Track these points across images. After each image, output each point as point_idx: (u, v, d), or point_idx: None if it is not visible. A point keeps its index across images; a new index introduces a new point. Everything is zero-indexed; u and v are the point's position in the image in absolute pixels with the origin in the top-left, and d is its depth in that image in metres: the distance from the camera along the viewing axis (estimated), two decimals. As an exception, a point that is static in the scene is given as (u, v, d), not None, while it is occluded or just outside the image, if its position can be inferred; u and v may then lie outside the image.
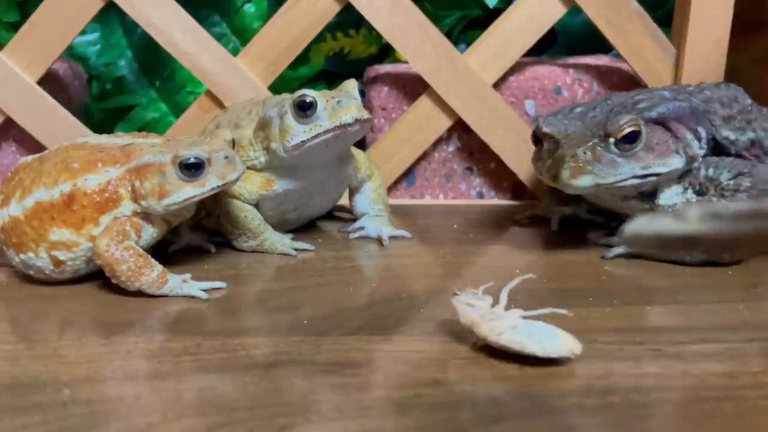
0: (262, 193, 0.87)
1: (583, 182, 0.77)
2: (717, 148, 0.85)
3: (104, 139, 0.80)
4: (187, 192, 0.74)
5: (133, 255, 0.72)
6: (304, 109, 0.80)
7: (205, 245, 0.89)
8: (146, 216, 0.75)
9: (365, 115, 0.81)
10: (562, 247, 0.90)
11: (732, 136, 0.85)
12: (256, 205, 0.88)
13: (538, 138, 0.86)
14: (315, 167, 0.86)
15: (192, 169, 0.73)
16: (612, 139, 0.77)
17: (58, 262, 0.75)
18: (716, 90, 0.87)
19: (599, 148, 0.78)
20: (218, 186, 0.75)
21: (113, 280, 0.73)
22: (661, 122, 0.81)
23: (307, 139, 0.80)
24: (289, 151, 0.81)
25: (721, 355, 0.59)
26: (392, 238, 0.93)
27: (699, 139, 0.83)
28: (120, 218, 0.74)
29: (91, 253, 0.74)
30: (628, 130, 0.77)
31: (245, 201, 0.87)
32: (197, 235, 0.91)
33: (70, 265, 0.75)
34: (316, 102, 0.79)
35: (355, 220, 0.98)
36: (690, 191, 0.83)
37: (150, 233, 0.76)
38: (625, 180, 0.78)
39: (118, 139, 0.79)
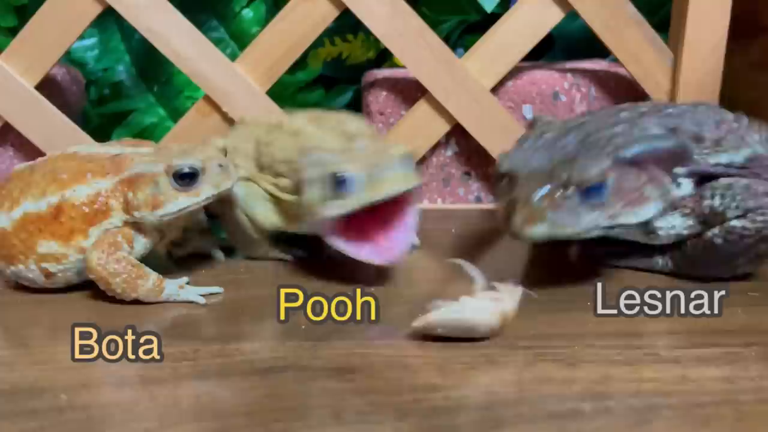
0: (277, 226, 0.84)
1: (536, 232, 0.68)
2: (706, 179, 0.76)
3: (96, 148, 0.79)
4: (181, 202, 0.73)
5: (126, 266, 0.71)
6: (342, 185, 0.73)
7: (213, 252, 0.88)
8: (138, 226, 0.74)
9: (411, 185, 0.74)
10: (560, 252, 0.90)
11: (724, 159, 0.76)
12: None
13: (501, 174, 0.76)
14: None
15: (186, 178, 0.72)
16: (572, 187, 0.68)
17: (48, 274, 0.74)
18: (702, 111, 0.79)
19: (558, 194, 0.67)
20: (212, 195, 0.74)
21: (109, 294, 0.72)
22: (636, 164, 0.70)
23: (344, 213, 0.74)
24: (326, 216, 0.75)
25: (720, 360, 0.59)
26: None
27: (678, 184, 0.74)
28: (111, 230, 0.73)
29: (81, 264, 0.73)
30: (595, 182, 0.68)
31: (253, 221, 0.84)
32: (207, 240, 0.89)
33: (60, 276, 0.75)
34: (357, 178, 0.72)
35: None
36: (692, 218, 0.74)
37: (143, 244, 0.75)
38: (588, 231, 0.69)
39: (110, 148, 0.78)
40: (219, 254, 0.89)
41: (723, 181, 0.74)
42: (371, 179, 0.72)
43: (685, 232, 0.76)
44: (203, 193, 0.73)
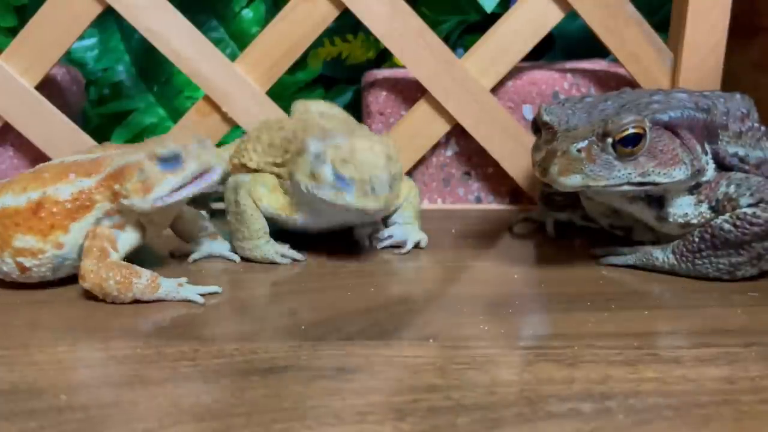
0: (278, 214, 0.87)
1: (572, 181, 0.73)
2: (722, 168, 0.79)
3: (81, 156, 0.80)
4: (171, 182, 0.74)
5: (114, 267, 0.72)
6: (340, 179, 0.78)
7: (227, 255, 0.88)
8: (118, 223, 0.76)
9: (390, 208, 0.85)
10: (560, 252, 0.90)
11: (741, 152, 0.80)
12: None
13: (538, 127, 0.82)
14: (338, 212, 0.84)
15: (170, 160, 0.73)
16: (610, 140, 0.72)
17: (23, 269, 0.75)
18: (732, 101, 0.82)
19: (595, 147, 0.73)
20: (199, 170, 0.74)
21: (107, 300, 0.72)
22: (672, 128, 0.75)
23: (329, 201, 0.79)
24: (311, 192, 0.80)
25: (720, 360, 0.59)
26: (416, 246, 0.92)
27: (706, 154, 0.78)
28: (96, 235, 0.74)
29: (57, 261, 0.75)
30: (631, 131, 0.71)
31: (258, 207, 0.86)
32: (219, 243, 0.89)
33: (35, 271, 0.76)
34: (353, 181, 0.77)
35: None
36: (705, 205, 0.77)
37: (125, 240, 0.76)
38: (619, 185, 0.74)
39: (92, 155, 0.80)
40: (234, 256, 0.88)
41: (739, 174, 0.78)
42: (363, 191, 0.78)
43: (695, 220, 0.78)
44: (189, 168, 0.74)
